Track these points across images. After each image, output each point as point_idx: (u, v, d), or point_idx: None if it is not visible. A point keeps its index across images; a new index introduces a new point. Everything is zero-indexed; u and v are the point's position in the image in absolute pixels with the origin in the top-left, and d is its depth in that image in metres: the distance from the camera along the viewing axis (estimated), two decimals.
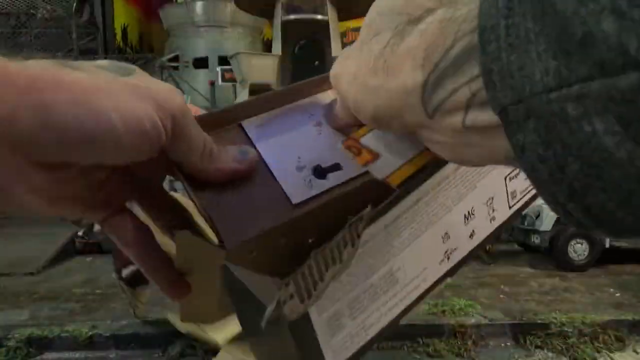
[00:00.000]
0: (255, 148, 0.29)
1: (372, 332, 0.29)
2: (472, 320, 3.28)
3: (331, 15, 2.70)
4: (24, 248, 1.86)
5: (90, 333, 2.65)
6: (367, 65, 0.22)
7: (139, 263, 0.29)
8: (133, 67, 0.26)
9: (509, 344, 3.26)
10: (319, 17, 2.88)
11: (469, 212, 0.31)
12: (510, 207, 0.33)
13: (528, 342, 3.23)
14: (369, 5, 0.23)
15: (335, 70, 0.26)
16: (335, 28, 2.73)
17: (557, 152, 0.15)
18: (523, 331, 3.25)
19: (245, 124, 0.29)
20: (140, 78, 0.24)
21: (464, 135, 0.19)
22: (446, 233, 0.30)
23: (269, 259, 0.31)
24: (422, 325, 3.18)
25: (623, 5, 0.13)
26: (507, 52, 0.15)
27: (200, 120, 0.27)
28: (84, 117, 0.21)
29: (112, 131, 0.21)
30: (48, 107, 0.20)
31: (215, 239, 0.26)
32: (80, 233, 4.93)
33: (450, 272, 0.32)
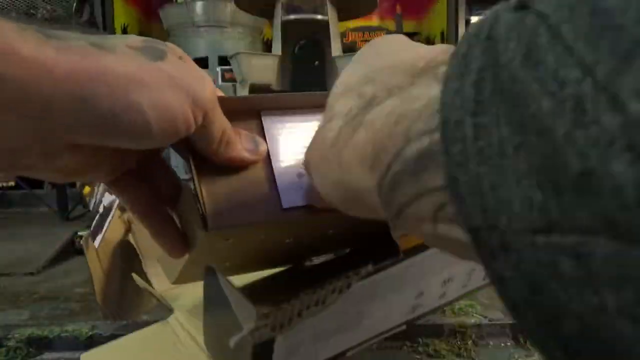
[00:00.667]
0: (265, 140, 0.29)
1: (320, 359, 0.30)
2: (472, 320, 3.29)
3: (331, 15, 2.71)
4: (24, 248, 1.86)
5: (90, 333, 2.65)
6: (325, 156, 0.20)
7: (143, 222, 0.30)
8: (164, 47, 0.25)
9: (509, 344, 3.24)
10: (319, 17, 2.89)
11: (448, 279, 0.31)
12: (483, 279, 0.35)
13: (528, 342, 3.23)
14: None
15: (306, 157, 0.23)
16: (335, 28, 2.73)
17: (547, 305, 0.11)
18: (523, 331, 3.26)
19: (264, 114, 0.30)
20: (173, 64, 0.24)
21: (438, 238, 0.15)
22: (421, 292, 0.30)
23: (243, 249, 0.31)
24: (422, 325, 3.18)
25: None
26: (476, 161, 0.12)
27: (223, 103, 0.27)
28: (120, 110, 0.21)
29: (146, 126, 0.22)
30: (85, 99, 0.20)
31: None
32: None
33: (409, 322, 0.33)
